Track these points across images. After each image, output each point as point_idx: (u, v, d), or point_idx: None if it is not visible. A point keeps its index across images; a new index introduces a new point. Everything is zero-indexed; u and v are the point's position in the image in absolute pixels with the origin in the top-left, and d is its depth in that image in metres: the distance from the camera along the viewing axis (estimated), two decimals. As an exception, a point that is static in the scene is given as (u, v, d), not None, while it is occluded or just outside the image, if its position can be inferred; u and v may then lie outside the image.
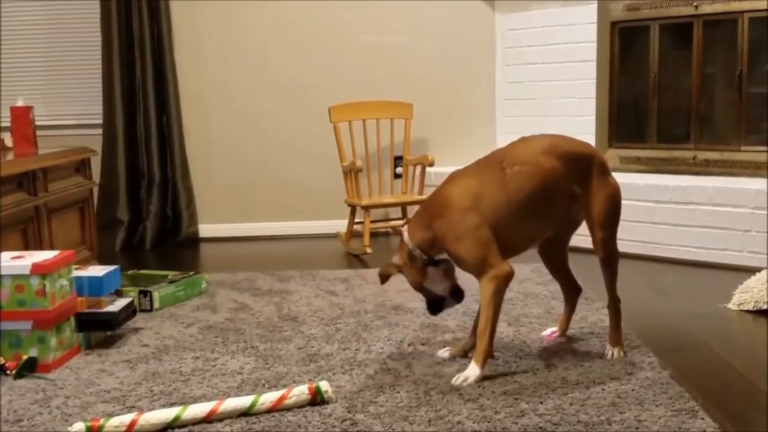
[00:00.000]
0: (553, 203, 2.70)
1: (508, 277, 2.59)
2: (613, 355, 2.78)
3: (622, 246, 4.30)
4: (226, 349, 2.99)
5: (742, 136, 4.53)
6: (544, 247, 2.93)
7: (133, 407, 2.44)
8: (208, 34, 5.36)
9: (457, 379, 2.57)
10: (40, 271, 2.77)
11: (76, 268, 3.08)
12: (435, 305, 2.81)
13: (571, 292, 3.03)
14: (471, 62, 5.45)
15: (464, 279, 2.76)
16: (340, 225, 5.14)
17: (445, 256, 2.70)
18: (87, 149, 4.43)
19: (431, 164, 4.89)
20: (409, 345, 2.96)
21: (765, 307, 3.30)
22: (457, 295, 2.79)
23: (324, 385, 2.43)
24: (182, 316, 3.47)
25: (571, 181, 2.70)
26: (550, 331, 3.04)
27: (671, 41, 4.83)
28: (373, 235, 4.98)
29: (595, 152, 2.82)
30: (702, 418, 2.25)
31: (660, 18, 4.75)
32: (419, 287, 2.77)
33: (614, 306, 2.83)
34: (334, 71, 5.37)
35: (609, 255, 2.80)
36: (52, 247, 3.78)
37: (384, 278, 2.77)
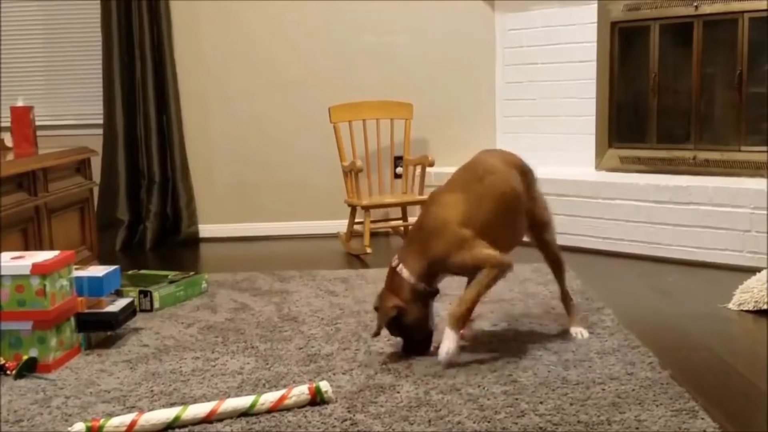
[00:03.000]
0: (521, 210, 2.91)
1: (507, 268, 2.74)
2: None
3: (623, 246, 4.38)
4: (226, 349, 2.99)
5: (742, 136, 4.52)
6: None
7: (133, 407, 2.44)
8: (208, 34, 5.36)
9: (440, 355, 2.66)
10: (40, 271, 2.77)
11: (76, 268, 3.08)
12: (426, 342, 2.84)
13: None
14: (471, 62, 5.44)
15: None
16: (340, 225, 5.14)
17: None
18: (87, 149, 4.43)
19: (431, 164, 4.88)
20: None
21: (765, 307, 3.30)
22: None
23: (324, 385, 2.43)
24: (182, 316, 3.47)
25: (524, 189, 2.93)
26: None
27: (671, 41, 4.83)
28: (374, 235, 4.98)
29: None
30: (702, 418, 2.25)
31: (660, 18, 4.75)
32: (423, 324, 2.80)
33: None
34: (334, 71, 5.37)
35: (559, 256, 3.06)
36: (52, 247, 3.79)
37: (384, 326, 2.79)
